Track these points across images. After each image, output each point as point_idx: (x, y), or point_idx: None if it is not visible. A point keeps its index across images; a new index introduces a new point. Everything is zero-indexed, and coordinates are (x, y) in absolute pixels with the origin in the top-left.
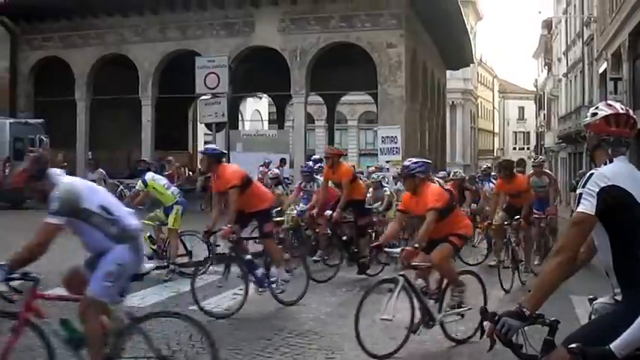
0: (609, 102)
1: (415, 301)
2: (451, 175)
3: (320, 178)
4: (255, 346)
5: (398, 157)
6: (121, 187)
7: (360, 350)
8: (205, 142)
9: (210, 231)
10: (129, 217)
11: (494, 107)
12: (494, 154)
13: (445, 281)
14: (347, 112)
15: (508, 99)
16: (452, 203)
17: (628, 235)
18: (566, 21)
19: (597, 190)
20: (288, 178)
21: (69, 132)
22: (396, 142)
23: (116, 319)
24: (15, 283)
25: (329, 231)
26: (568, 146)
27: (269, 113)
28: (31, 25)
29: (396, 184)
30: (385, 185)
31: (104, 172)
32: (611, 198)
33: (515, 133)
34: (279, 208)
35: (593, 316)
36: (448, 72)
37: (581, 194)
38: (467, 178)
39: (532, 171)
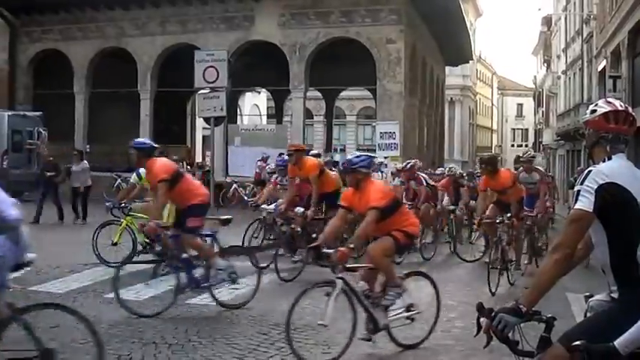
0: (609, 99)
1: (356, 305)
2: (446, 172)
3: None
4: (252, 341)
5: (396, 152)
6: (119, 180)
7: (357, 345)
8: (204, 137)
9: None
10: (9, 207)
11: (492, 104)
12: (493, 151)
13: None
14: (346, 108)
15: (507, 96)
16: (397, 201)
17: (626, 232)
18: (565, 18)
19: (595, 187)
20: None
21: (67, 125)
22: (394, 138)
23: None
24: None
25: (299, 229)
26: (566, 143)
27: (267, 108)
28: (31, 18)
29: (394, 179)
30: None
31: (87, 165)
32: (610, 195)
33: (514, 130)
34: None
35: (588, 314)
36: (447, 68)
37: (579, 191)
38: (465, 174)
39: (521, 167)
